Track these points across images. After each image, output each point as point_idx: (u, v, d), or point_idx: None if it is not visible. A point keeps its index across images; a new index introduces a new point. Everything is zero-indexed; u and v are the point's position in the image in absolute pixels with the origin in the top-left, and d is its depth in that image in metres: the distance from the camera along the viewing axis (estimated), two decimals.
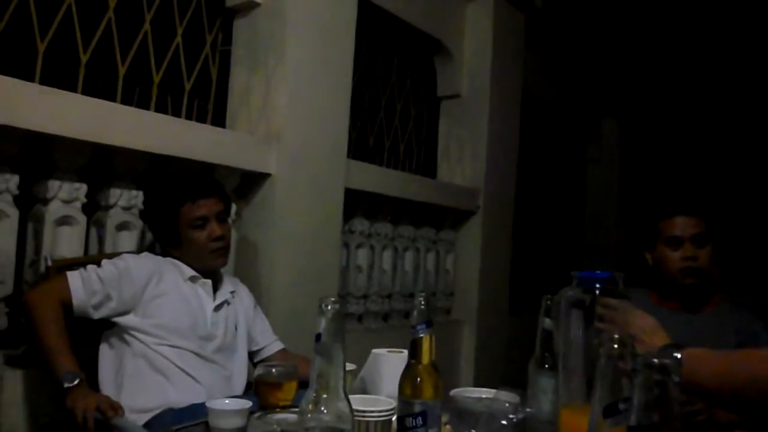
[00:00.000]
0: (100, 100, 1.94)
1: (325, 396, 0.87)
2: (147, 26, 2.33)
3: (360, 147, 3.28)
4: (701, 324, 1.90)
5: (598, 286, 1.15)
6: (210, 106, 2.59)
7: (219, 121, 2.55)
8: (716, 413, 1.65)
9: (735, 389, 1.00)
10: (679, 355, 1.01)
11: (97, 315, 1.70)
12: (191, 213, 1.82)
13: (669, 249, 1.95)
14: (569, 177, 5.50)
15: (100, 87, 2.18)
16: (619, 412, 0.58)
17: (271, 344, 1.99)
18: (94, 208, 2.06)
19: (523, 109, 4.09)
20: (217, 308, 1.85)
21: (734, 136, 5.23)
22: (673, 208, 2.00)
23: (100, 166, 2.02)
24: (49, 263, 1.80)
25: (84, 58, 2.13)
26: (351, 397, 1.00)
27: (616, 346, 0.61)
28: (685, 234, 1.94)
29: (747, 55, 4.75)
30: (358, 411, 1.06)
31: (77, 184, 1.94)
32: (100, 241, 2.03)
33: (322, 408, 0.87)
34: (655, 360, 0.53)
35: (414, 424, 1.04)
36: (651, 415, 0.53)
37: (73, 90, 2.07)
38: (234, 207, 2.32)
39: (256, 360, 1.94)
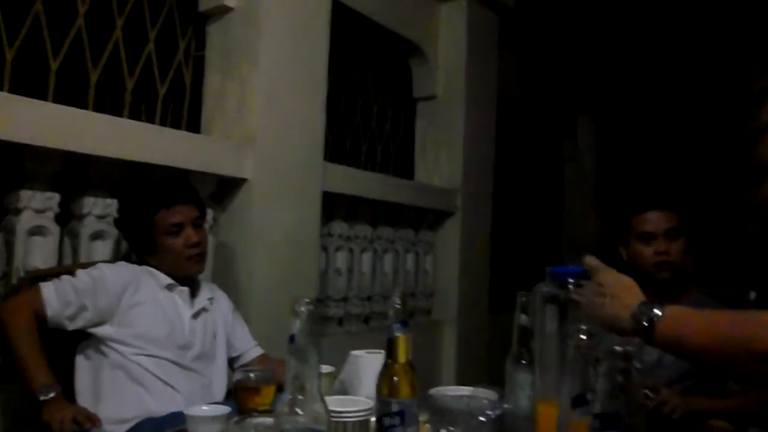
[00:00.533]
0: (72, 108, 1.92)
1: (300, 398, 0.87)
2: (118, 32, 2.31)
3: (337, 150, 3.28)
4: None
5: (571, 281, 1.16)
6: (184, 111, 2.57)
7: (194, 126, 2.53)
8: (690, 402, 1.67)
9: (718, 348, 0.98)
10: (660, 312, 1.00)
11: (72, 326, 1.67)
12: (166, 220, 1.80)
13: (642, 244, 1.98)
14: (546, 175, 5.55)
15: (71, 95, 2.15)
16: (587, 402, 0.59)
17: (250, 350, 1.98)
18: (67, 218, 2.03)
19: (499, 109, 4.12)
20: (195, 316, 1.84)
21: (706, 130, 5.31)
22: (644, 203, 2.02)
23: (73, 174, 2.00)
24: (22, 274, 1.77)
25: (54, 66, 2.11)
26: (328, 398, 1.00)
27: (583, 337, 0.61)
28: (658, 229, 1.96)
29: (718, 52, 4.82)
30: (334, 412, 1.06)
31: (49, 194, 1.91)
32: (74, 251, 2.01)
33: (298, 410, 0.87)
34: (618, 348, 0.54)
35: (392, 423, 1.04)
36: (615, 402, 0.54)
37: (44, 98, 2.04)
38: (210, 213, 2.31)
39: (236, 366, 1.93)
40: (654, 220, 1.97)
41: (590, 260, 1.17)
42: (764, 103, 4.15)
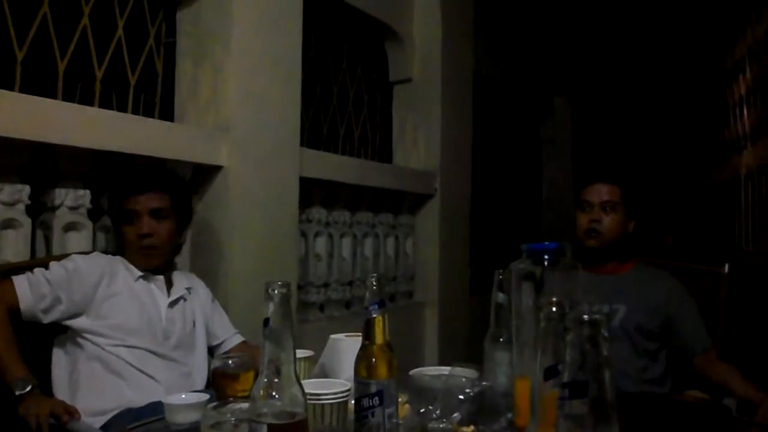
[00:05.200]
0: (40, 98, 1.88)
1: (276, 381, 0.86)
2: (86, 20, 2.26)
3: (314, 135, 3.26)
4: (611, 283, 1.97)
5: (546, 257, 1.16)
6: (157, 99, 2.53)
7: (167, 115, 2.49)
8: None
9: None
10: None
11: (47, 319, 1.65)
12: (125, 207, 1.79)
13: (579, 212, 2.02)
14: (525, 156, 5.57)
15: (38, 85, 2.10)
16: (559, 373, 0.59)
17: (231, 338, 1.97)
18: (39, 210, 2.00)
19: (476, 91, 4.12)
20: (172, 305, 1.82)
21: (679, 109, 5.36)
22: (592, 176, 2.06)
23: (44, 165, 1.96)
24: None
25: (20, 56, 2.06)
26: (306, 381, 1.00)
27: (554, 309, 0.61)
28: (596, 199, 2.00)
29: (690, 32, 4.86)
30: (312, 395, 1.06)
31: (19, 186, 1.87)
32: (48, 243, 1.98)
33: (274, 394, 0.86)
34: (585, 316, 0.54)
35: (371, 404, 1.03)
36: (583, 371, 0.54)
37: (10, 88, 1.99)
38: None
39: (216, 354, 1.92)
40: (596, 190, 2.01)
41: None
42: (734, 80, 4.19)
